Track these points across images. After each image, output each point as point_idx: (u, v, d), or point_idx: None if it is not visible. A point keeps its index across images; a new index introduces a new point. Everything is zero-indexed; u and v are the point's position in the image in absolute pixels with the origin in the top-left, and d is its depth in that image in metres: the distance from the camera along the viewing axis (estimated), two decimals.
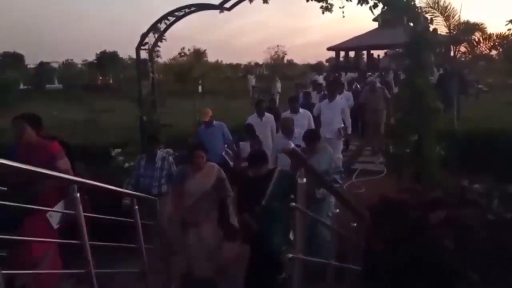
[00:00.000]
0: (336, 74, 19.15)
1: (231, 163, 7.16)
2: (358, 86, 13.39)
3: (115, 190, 4.35)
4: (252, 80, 26.76)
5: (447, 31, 7.65)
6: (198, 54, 34.11)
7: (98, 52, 51.98)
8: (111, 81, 37.69)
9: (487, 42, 8.81)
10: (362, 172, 8.60)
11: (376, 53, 25.47)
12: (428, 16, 6.52)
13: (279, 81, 22.13)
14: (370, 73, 17.60)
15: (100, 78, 38.38)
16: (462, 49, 9.23)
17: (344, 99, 9.11)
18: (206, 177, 4.73)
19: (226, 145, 7.39)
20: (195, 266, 4.58)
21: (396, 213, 4.19)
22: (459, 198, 4.46)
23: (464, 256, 3.75)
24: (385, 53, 24.26)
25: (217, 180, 4.75)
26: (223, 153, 7.16)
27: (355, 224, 3.53)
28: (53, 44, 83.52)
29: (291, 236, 4.15)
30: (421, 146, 5.30)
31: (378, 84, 11.06)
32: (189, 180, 4.71)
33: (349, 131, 8.35)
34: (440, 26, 7.29)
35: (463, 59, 9.94)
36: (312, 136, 5.20)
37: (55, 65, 51.85)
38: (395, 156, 5.66)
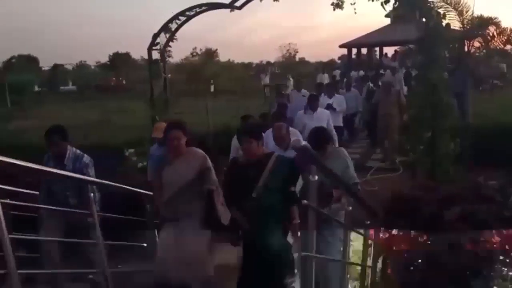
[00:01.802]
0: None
1: None
2: (371, 85, 12.28)
3: (132, 190, 4.42)
4: (265, 79, 26.71)
5: (460, 26, 7.56)
6: (210, 54, 34.26)
7: (111, 53, 52.58)
8: (124, 82, 37.98)
9: (501, 37, 8.68)
10: (377, 170, 8.51)
11: (389, 49, 25.24)
12: (441, 11, 6.45)
13: (292, 79, 22.07)
14: (382, 71, 17.16)
15: (113, 79, 38.70)
16: (476, 44, 9.10)
17: (334, 103, 8.25)
18: (187, 164, 3.88)
19: None
20: (173, 277, 3.71)
21: (410, 209, 4.18)
22: (474, 194, 4.42)
23: (479, 251, 3.73)
24: (395, 51, 24.03)
25: (201, 169, 3.88)
26: None
27: (368, 222, 3.51)
28: (66, 47, 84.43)
29: (290, 239, 3.65)
30: (435, 142, 5.25)
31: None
32: (166, 168, 3.91)
33: (336, 144, 6.65)
34: (453, 21, 7.21)
35: (477, 54, 9.80)
36: (320, 136, 4.17)
37: (69, 67, 52.43)
38: (409, 153, 5.63)
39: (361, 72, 17.28)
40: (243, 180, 3.66)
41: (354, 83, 12.58)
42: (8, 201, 3.57)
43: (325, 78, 17.07)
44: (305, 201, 2.19)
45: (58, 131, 4.33)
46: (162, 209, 3.87)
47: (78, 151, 4.49)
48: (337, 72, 18.48)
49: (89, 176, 4.36)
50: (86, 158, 4.47)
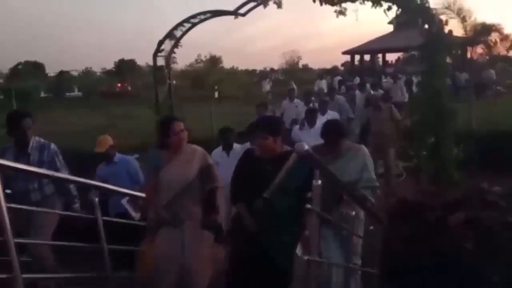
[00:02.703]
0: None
1: (134, 215, 4.80)
2: (371, 92, 11.35)
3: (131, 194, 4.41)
4: (266, 86, 26.65)
5: (463, 32, 7.60)
6: (214, 61, 34.37)
7: (117, 60, 52.92)
8: (129, 88, 38.16)
9: (504, 43, 8.71)
10: (381, 176, 8.51)
11: (391, 56, 25.31)
12: (443, 17, 6.49)
13: (295, 85, 22.05)
14: (384, 78, 17.01)
15: (119, 85, 38.91)
16: (479, 50, 9.13)
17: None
18: (187, 163, 3.51)
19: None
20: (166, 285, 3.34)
21: (414, 215, 4.18)
22: (478, 200, 4.42)
23: (484, 258, 3.72)
24: (398, 58, 24.10)
25: (202, 167, 3.54)
26: (125, 201, 4.75)
27: (371, 227, 3.52)
28: (72, 53, 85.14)
29: (299, 251, 3.15)
30: (439, 147, 5.26)
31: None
32: (165, 168, 3.50)
33: None
34: (455, 27, 7.26)
35: (480, 60, 9.82)
36: (333, 131, 3.63)
37: (75, 74, 52.80)
38: (413, 158, 5.63)
39: (357, 79, 16.98)
40: (256, 176, 3.27)
41: (344, 90, 12.21)
42: (13, 205, 3.58)
43: (323, 85, 16.71)
44: (309, 206, 2.16)
45: (25, 115, 4.02)
46: (161, 212, 3.47)
47: (41, 139, 4.25)
48: (337, 79, 18.26)
49: (61, 164, 4.18)
50: (54, 146, 4.24)
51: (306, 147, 1.93)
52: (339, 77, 20.02)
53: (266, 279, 3.19)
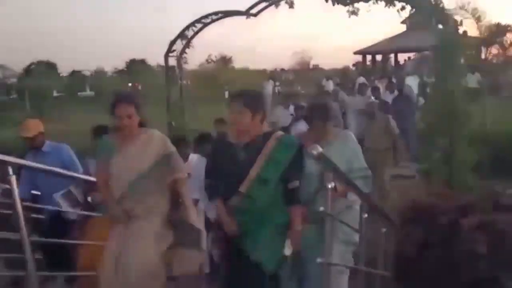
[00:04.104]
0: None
1: (72, 212, 4.17)
2: (372, 98, 10.94)
3: None
4: (268, 87, 25.95)
5: (478, 33, 7.50)
6: (225, 61, 34.46)
7: (128, 60, 53.21)
8: (140, 88, 38.37)
9: None
10: (393, 177, 8.43)
11: (403, 56, 25.09)
12: (458, 18, 6.42)
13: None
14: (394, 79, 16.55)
15: (130, 85, 39.13)
16: (494, 51, 9.01)
17: None
18: (142, 150, 3.02)
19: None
20: None
21: (427, 218, 4.13)
22: (492, 204, 4.36)
23: (498, 262, 3.67)
24: (408, 58, 23.87)
25: (160, 155, 3.04)
26: (59, 196, 4.08)
27: (384, 230, 3.47)
28: (84, 53, 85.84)
29: (286, 251, 2.76)
30: (453, 150, 5.20)
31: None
32: (115, 156, 3.01)
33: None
34: (470, 28, 7.17)
35: (494, 61, 9.69)
36: (318, 114, 3.14)
37: (87, 73, 53.21)
38: (426, 160, 5.57)
39: (361, 79, 16.58)
40: (229, 166, 2.75)
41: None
42: (29, 204, 3.62)
43: (330, 86, 16.18)
44: (322, 208, 2.09)
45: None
46: (114, 208, 3.00)
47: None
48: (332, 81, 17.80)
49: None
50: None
51: (320, 149, 1.86)
52: (337, 79, 19.61)
53: (253, 284, 2.80)
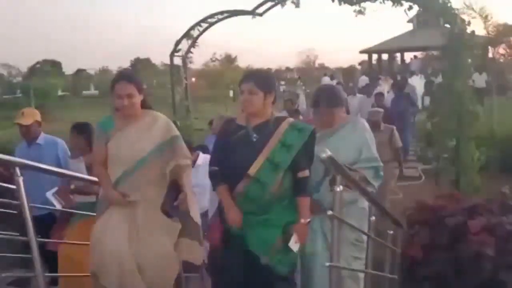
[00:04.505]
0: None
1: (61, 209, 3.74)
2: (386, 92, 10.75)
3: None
4: None
5: (485, 32, 7.45)
6: (229, 60, 34.45)
7: (132, 59, 53.38)
8: (144, 87, 38.51)
9: None
10: (400, 178, 8.40)
11: (410, 55, 24.97)
12: (465, 17, 6.36)
13: (303, 87, 21.62)
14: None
15: None
16: (501, 50, 8.96)
17: None
18: (143, 132, 2.79)
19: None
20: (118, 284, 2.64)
21: (434, 220, 4.10)
22: (499, 205, 4.32)
23: (505, 263, 3.64)
24: (414, 56, 23.76)
25: (165, 138, 2.82)
26: (51, 194, 3.75)
27: (391, 232, 3.45)
28: (89, 52, 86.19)
29: (294, 246, 2.55)
30: (460, 151, 5.16)
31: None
32: (115, 137, 2.77)
33: None
34: (477, 27, 7.12)
35: (501, 60, 9.62)
36: (326, 99, 2.94)
37: (92, 72, 53.41)
38: (433, 162, 5.53)
39: (364, 78, 16.32)
40: (238, 149, 2.58)
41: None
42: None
43: (326, 82, 16.32)
44: (330, 212, 2.02)
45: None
46: (110, 192, 2.72)
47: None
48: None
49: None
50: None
51: (329, 152, 1.82)
52: (340, 78, 19.34)
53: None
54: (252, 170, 2.47)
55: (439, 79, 8.48)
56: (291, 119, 2.67)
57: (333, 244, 1.99)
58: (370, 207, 2.97)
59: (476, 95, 6.74)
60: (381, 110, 6.14)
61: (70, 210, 3.62)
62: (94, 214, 2.93)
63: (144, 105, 2.87)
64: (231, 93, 24.89)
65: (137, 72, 46.12)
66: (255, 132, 2.57)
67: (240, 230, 2.56)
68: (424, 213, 3.96)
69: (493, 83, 9.84)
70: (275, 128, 2.57)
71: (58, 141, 4.30)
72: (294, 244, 2.53)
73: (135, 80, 2.79)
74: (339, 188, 1.99)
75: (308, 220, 2.57)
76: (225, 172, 2.61)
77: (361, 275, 2.96)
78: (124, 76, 2.81)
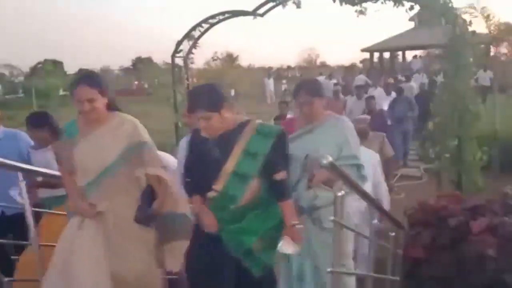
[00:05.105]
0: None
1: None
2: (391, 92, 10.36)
3: None
4: (268, 83, 25.42)
5: (487, 31, 7.43)
6: (231, 59, 34.43)
7: (134, 58, 53.39)
8: (146, 86, 38.45)
9: None
10: (401, 178, 8.40)
11: (412, 54, 24.92)
12: (467, 16, 6.34)
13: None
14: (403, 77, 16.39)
15: (136, 83, 39.25)
16: (503, 50, 8.93)
17: None
18: (109, 138, 2.59)
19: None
20: None
21: (436, 220, 4.09)
22: (501, 205, 4.31)
23: (507, 264, 3.63)
24: (414, 56, 23.72)
25: (131, 144, 2.59)
26: (16, 194, 3.23)
27: (393, 234, 3.44)
28: (91, 52, 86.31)
29: (282, 248, 2.52)
30: (462, 151, 5.14)
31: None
32: (78, 145, 2.59)
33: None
34: (479, 26, 7.10)
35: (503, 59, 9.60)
36: (306, 87, 2.90)
37: None
38: (434, 161, 5.52)
39: (361, 78, 16.17)
40: (203, 164, 2.50)
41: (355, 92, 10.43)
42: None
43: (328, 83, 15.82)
44: (332, 218, 1.97)
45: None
46: (76, 201, 2.56)
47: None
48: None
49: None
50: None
51: (330, 158, 1.80)
52: (339, 77, 19.23)
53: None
54: (219, 186, 2.41)
55: (440, 78, 8.48)
56: (256, 123, 2.55)
57: (335, 249, 1.99)
58: (371, 210, 2.98)
59: (479, 94, 6.73)
60: (368, 117, 5.65)
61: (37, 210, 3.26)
62: (62, 211, 2.82)
63: (110, 107, 2.64)
64: (232, 92, 24.89)
65: (139, 71, 46.23)
66: (219, 144, 2.46)
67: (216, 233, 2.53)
68: (426, 214, 3.95)
69: (495, 82, 9.80)
70: (239, 136, 2.46)
71: (21, 134, 4.08)
72: (285, 248, 2.50)
73: (96, 83, 2.54)
74: (341, 193, 1.99)
75: (296, 222, 2.52)
76: (195, 185, 2.59)
77: (351, 283, 2.96)
78: (83, 80, 2.55)
